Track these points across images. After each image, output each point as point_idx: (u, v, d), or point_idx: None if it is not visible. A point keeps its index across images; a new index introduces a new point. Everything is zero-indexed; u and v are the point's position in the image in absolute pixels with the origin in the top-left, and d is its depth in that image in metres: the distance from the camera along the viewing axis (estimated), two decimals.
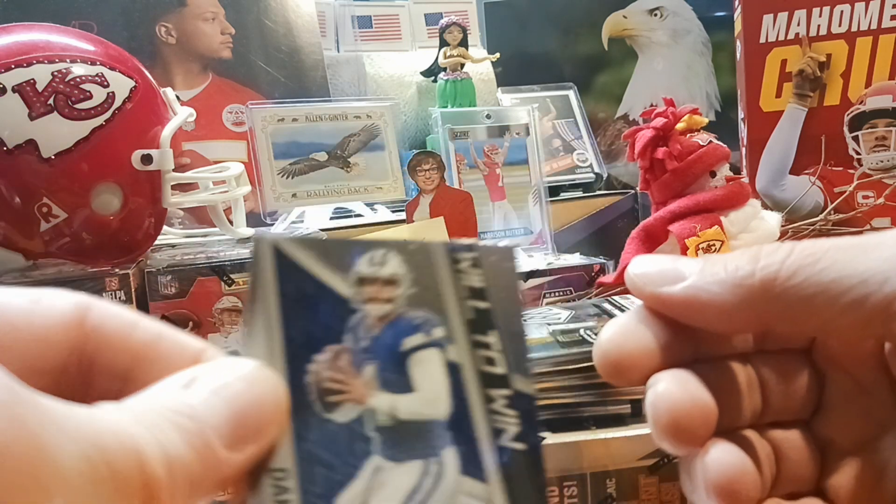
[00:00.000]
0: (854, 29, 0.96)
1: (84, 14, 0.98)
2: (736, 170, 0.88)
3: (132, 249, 0.63)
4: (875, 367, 0.24)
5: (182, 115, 0.65)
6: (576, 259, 0.94)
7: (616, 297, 0.51)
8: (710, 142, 0.81)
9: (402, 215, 0.87)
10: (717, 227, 0.76)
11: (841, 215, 0.94)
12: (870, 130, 0.97)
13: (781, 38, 0.99)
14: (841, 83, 0.98)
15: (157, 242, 0.67)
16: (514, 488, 0.21)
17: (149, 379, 0.19)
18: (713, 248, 0.75)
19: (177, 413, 0.18)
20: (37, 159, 0.57)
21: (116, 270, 0.58)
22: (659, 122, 0.82)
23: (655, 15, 1.38)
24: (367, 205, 1.00)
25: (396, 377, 0.21)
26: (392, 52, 1.22)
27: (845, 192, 0.97)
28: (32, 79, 0.58)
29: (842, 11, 0.96)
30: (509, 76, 1.29)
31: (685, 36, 1.38)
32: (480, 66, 1.19)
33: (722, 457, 0.23)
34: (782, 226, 0.83)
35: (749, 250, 0.23)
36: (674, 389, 0.23)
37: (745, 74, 1.01)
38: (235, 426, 0.19)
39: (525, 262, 0.93)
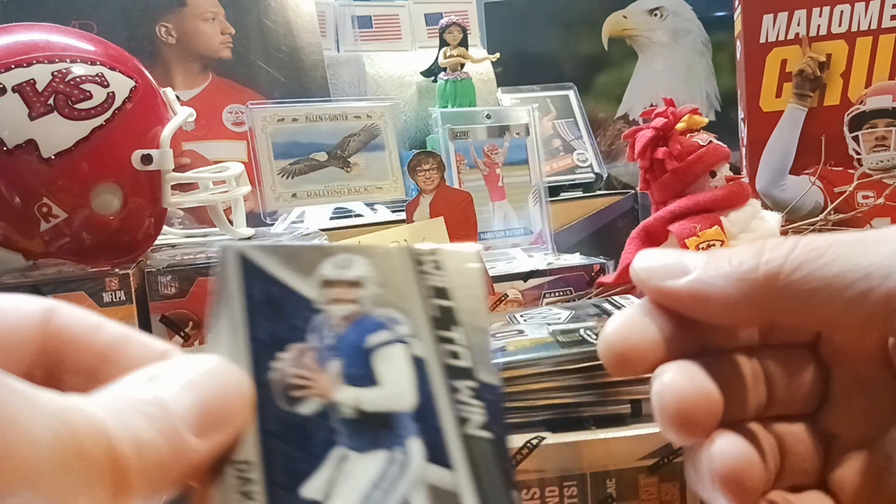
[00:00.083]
0: (854, 29, 0.96)
1: (84, 14, 0.98)
2: (736, 170, 0.88)
3: (132, 249, 0.63)
4: (879, 362, 0.24)
5: (182, 115, 0.65)
6: (576, 259, 0.94)
7: (616, 297, 0.51)
8: (710, 142, 0.81)
9: (402, 215, 0.87)
10: (717, 227, 0.76)
11: (841, 215, 0.94)
12: (870, 130, 0.97)
13: (781, 38, 0.99)
14: (841, 83, 0.98)
15: (157, 242, 0.67)
16: (480, 475, 0.21)
17: (114, 377, 0.20)
18: (713, 248, 0.75)
19: (143, 402, 0.18)
20: (37, 159, 0.57)
21: (116, 270, 0.58)
22: (659, 122, 0.82)
23: (655, 15, 1.38)
24: (367, 205, 1.00)
25: (361, 372, 0.22)
26: (392, 52, 1.22)
27: (845, 192, 0.97)
28: (32, 79, 0.58)
29: (842, 11, 0.96)
30: (509, 76, 1.29)
31: (685, 36, 1.38)
32: (480, 66, 1.19)
33: (728, 448, 0.23)
34: (782, 226, 0.83)
35: (753, 245, 0.24)
36: (680, 380, 0.23)
37: (745, 74, 1.01)
38: (201, 414, 0.19)
39: (525, 262, 0.93)
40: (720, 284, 0.23)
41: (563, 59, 1.40)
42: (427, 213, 0.84)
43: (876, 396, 0.24)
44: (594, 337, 0.42)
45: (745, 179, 0.80)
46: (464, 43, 1.09)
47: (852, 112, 0.97)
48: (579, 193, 1.16)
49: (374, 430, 0.22)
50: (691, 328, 0.25)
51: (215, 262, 0.23)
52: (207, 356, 0.21)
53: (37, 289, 0.55)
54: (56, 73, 0.58)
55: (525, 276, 0.88)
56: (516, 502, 0.22)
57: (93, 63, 0.60)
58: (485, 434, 0.22)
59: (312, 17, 1.14)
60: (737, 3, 1.03)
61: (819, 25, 0.97)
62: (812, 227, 0.92)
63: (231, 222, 0.73)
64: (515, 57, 1.35)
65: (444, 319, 0.23)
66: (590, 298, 0.79)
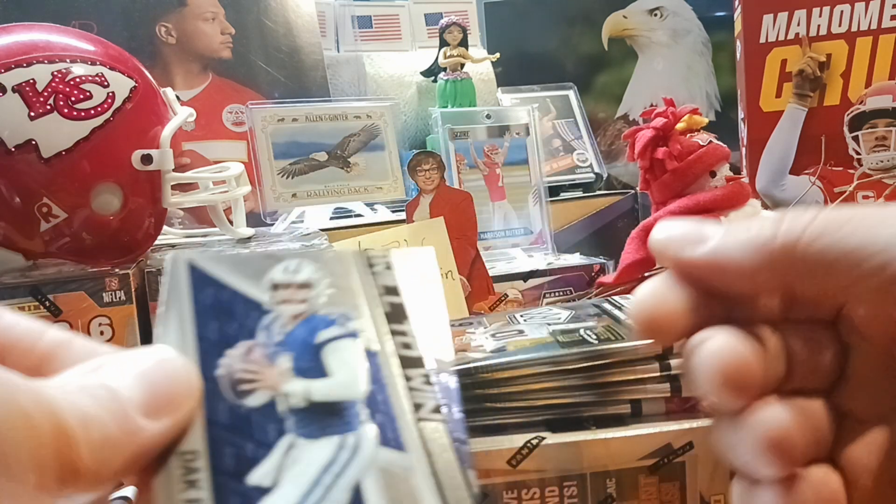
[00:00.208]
0: (854, 29, 0.96)
1: (84, 14, 0.98)
2: (736, 170, 0.88)
3: (132, 249, 0.63)
4: None
5: (182, 115, 0.65)
6: (576, 259, 0.94)
7: (616, 297, 0.51)
8: (710, 142, 0.81)
9: (402, 215, 0.87)
10: None
11: None
12: (870, 130, 0.97)
13: (781, 38, 0.99)
14: (841, 83, 0.98)
15: (157, 242, 0.66)
16: (434, 455, 0.22)
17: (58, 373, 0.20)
18: None
19: (90, 384, 0.19)
20: (37, 159, 0.57)
21: (116, 270, 0.58)
22: (659, 122, 0.82)
23: (655, 15, 1.38)
24: (367, 205, 1.00)
25: (311, 365, 0.23)
26: (392, 52, 1.22)
27: (845, 192, 0.97)
28: (32, 79, 0.58)
29: (842, 11, 0.96)
30: (509, 76, 1.29)
31: (685, 36, 1.38)
32: (480, 66, 1.19)
33: (777, 415, 0.23)
34: None
35: (773, 215, 0.24)
36: (732, 344, 0.23)
37: (745, 74, 1.01)
38: (148, 395, 0.19)
39: (525, 262, 0.93)
40: (738, 253, 0.24)
41: (563, 59, 1.40)
42: (427, 213, 0.84)
43: (893, 375, 0.24)
44: (594, 337, 0.42)
45: (745, 179, 0.80)
46: (464, 43, 1.09)
47: (852, 112, 0.97)
48: (579, 193, 1.16)
49: (325, 418, 0.22)
50: (715, 299, 0.25)
51: (164, 271, 0.23)
52: (153, 347, 0.21)
53: (37, 289, 0.55)
54: (56, 73, 0.58)
55: (525, 276, 0.88)
56: (472, 479, 0.22)
57: (93, 63, 0.60)
58: (437, 416, 0.23)
59: (312, 17, 1.14)
60: (737, 3, 1.03)
61: (819, 25, 0.97)
62: None
63: (231, 222, 0.73)
64: (515, 57, 1.35)
65: (396, 314, 0.24)
66: (590, 298, 0.79)
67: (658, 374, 0.40)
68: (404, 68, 1.20)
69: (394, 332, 0.24)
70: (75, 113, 0.58)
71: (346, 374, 0.23)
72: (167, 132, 0.63)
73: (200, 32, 1.05)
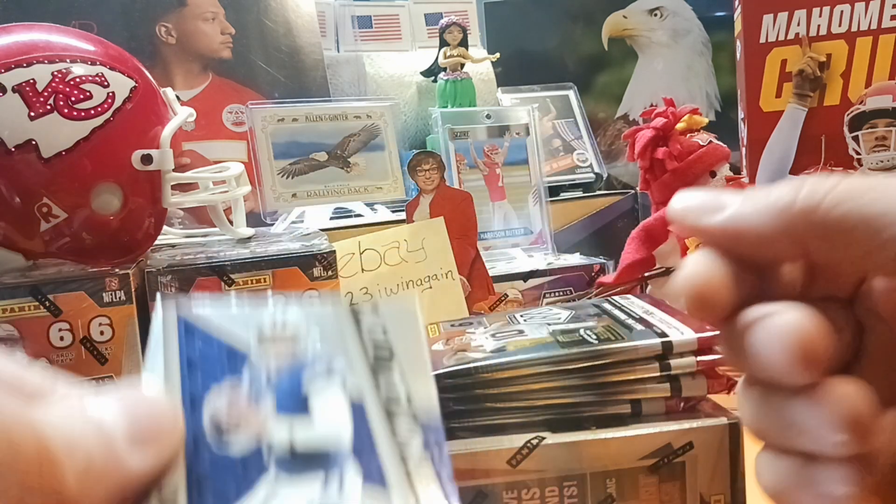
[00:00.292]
0: (854, 29, 0.96)
1: (84, 14, 0.98)
2: (736, 170, 0.88)
3: (132, 249, 0.63)
4: None
5: (182, 115, 0.65)
6: (576, 259, 0.94)
7: (616, 297, 0.51)
8: (710, 142, 0.81)
9: (402, 215, 0.87)
10: None
11: None
12: (870, 130, 0.97)
13: (781, 38, 0.99)
14: (841, 83, 0.98)
15: (157, 242, 0.66)
16: (417, 489, 0.22)
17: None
18: None
19: (74, 414, 0.19)
20: (37, 159, 0.57)
21: (116, 270, 0.58)
22: (659, 122, 0.82)
23: (655, 15, 1.38)
24: (367, 205, 1.00)
25: (296, 411, 0.23)
26: (392, 52, 1.22)
27: None
28: (32, 79, 0.58)
29: (842, 11, 0.96)
30: (509, 76, 1.29)
31: (685, 36, 1.38)
32: (480, 66, 1.19)
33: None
34: None
35: (793, 181, 0.24)
36: (803, 319, 0.23)
37: (745, 74, 1.01)
38: (133, 427, 0.19)
39: (525, 262, 0.93)
40: (756, 218, 0.24)
41: (563, 59, 1.40)
42: (427, 213, 0.84)
43: None
44: (594, 337, 0.42)
45: (745, 179, 0.80)
46: (464, 43, 1.09)
47: (852, 112, 0.97)
48: (579, 193, 1.16)
49: (310, 459, 0.22)
50: (752, 274, 0.25)
51: (154, 316, 0.24)
52: (138, 384, 0.21)
53: (37, 289, 0.55)
54: (56, 73, 0.58)
55: (525, 276, 0.88)
56: None
57: (93, 63, 0.60)
58: (423, 454, 0.23)
59: (312, 17, 1.14)
60: (737, 3, 1.03)
61: (819, 25, 0.97)
62: None
63: (231, 222, 0.73)
64: (515, 57, 1.35)
65: (382, 361, 0.25)
66: (590, 298, 0.79)
67: (658, 374, 0.40)
68: (404, 68, 1.20)
69: (378, 377, 0.24)
70: (75, 113, 0.58)
71: (331, 419, 0.23)
72: (167, 132, 0.63)
73: (200, 32, 1.05)
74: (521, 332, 0.45)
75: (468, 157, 0.98)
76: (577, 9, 1.40)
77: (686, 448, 0.39)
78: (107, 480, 0.18)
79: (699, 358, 0.40)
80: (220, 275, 0.60)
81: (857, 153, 0.97)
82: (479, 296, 0.84)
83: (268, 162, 0.92)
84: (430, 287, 0.81)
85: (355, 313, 0.25)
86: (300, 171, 0.94)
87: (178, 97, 0.68)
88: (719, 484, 0.40)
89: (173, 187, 0.64)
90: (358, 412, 0.23)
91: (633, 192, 1.13)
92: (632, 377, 0.40)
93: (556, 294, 0.88)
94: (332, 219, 0.99)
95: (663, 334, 0.41)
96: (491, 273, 0.86)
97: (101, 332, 0.57)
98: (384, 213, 0.99)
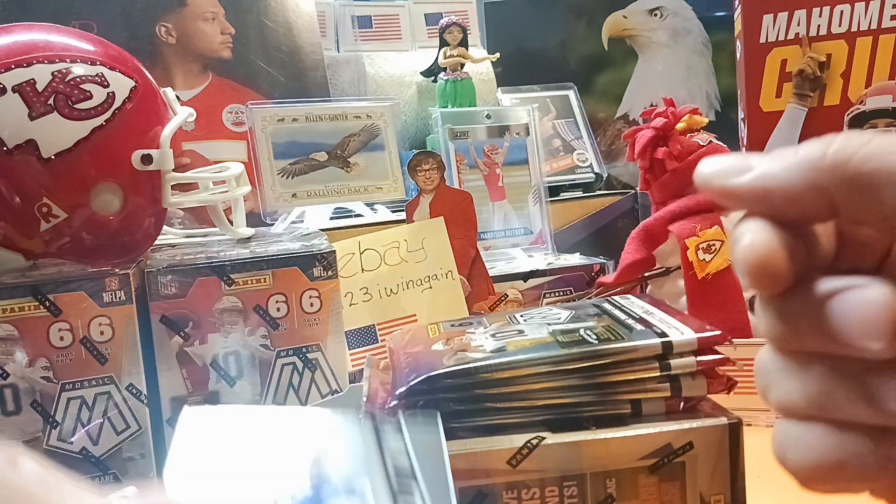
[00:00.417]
0: (854, 29, 0.96)
1: (84, 14, 0.98)
2: None
3: (132, 249, 0.63)
4: None
5: (182, 115, 0.65)
6: (576, 259, 0.94)
7: (616, 297, 0.51)
8: (710, 142, 0.81)
9: (402, 215, 0.87)
10: (717, 227, 0.76)
11: None
12: (870, 130, 0.97)
13: (781, 38, 0.99)
14: (841, 83, 0.98)
15: (157, 242, 0.66)
16: None
17: None
18: (713, 248, 0.75)
19: None
20: (37, 159, 0.57)
21: (116, 270, 0.58)
22: (659, 122, 0.82)
23: (655, 15, 1.38)
24: (367, 205, 1.00)
25: None
26: (392, 52, 1.22)
27: None
28: (32, 79, 0.58)
29: (842, 11, 0.96)
30: (509, 76, 1.29)
31: (685, 36, 1.38)
32: (480, 66, 1.19)
33: None
34: None
35: (821, 139, 0.24)
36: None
37: (745, 74, 1.01)
38: None
39: (525, 262, 0.93)
40: (785, 174, 0.24)
41: (563, 59, 1.40)
42: (427, 213, 0.84)
43: None
44: (594, 337, 0.42)
45: None
46: (464, 43, 1.09)
47: (852, 112, 0.97)
48: (579, 193, 1.16)
49: None
50: (801, 243, 0.25)
51: (179, 422, 0.24)
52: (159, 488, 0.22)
53: (37, 289, 0.55)
54: (56, 73, 0.58)
55: (525, 276, 0.88)
56: None
57: (93, 63, 0.60)
58: None
59: (312, 17, 1.14)
60: (737, 3, 1.03)
61: (819, 25, 0.97)
62: None
63: (231, 222, 0.73)
64: (515, 57, 1.35)
65: (403, 475, 0.25)
66: (590, 298, 0.79)
67: (658, 374, 0.40)
68: (404, 68, 1.20)
69: (401, 491, 0.24)
70: (75, 113, 0.58)
71: None
72: (167, 132, 0.63)
73: (200, 32, 1.05)
74: (521, 332, 0.45)
75: (468, 157, 0.98)
76: (577, 9, 1.40)
77: (686, 448, 0.39)
78: None
79: (699, 358, 0.40)
80: (220, 275, 0.60)
81: None
82: (479, 296, 0.84)
83: (268, 162, 0.92)
84: (430, 287, 0.81)
85: (378, 431, 0.25)
86: (300, 171, 0.94)
87: (178, 97, 0.68)
88: (719, 484, 0.40)
89: (173, 187, 0.64)
90: None
91: (633, 192, 1.13)
92: (632, 377, 0.40)
93: (556, 294, 0.88)
94: (332, 219, 0.99)
95: (663, 334, 0.41)
96: (491, 273, 0.86)
97: (101, 332, 0.57)
98: (384, 213, 0.99)
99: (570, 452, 0.39)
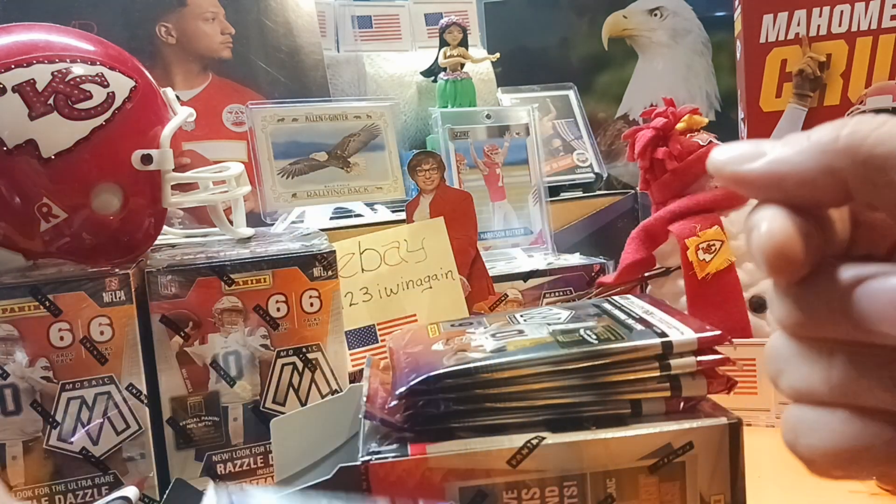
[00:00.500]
0: (854, 29, 0.96)
1: (84, 14, 0.98)
2: None
3: (132, 249, 0.63)
4: None
5: (182, 115, 0.65)
6: (576, 259, 0.94)
7: (616, 297, 0.51)
8: (710, 142, 0.81)
9: (402, 215, 0.87)
10: (717, 227, 0.76)
11: None
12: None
13: (781, 38, 0.99)
14: (841, 83, 0.98)
15: (157, 242, 0.66)
16: None
17: None
18: (713, 247, 0.76)
19: None
20: (37, 159, 0.57)
21: (116, 270, 0.58)
22: (659, 122, 0.82)
23: (655, 15, 1.38)
24: (367, 205, 1.00)
25: None
26: (392, 52, 1.22)
27: None
28: (32, 79, 0.58)
29: (842, 11, 0.96)
30: (509, 76, 1.29)
31: (685, 36, 1.38)
32: (480, 66, 1.19)
33: None
34: None
35: (833, 122, 0.24)
36: None
37: (745, 74, 1.01)
38: None
39: (525, 262, 0.93)
40: (798, 158, 0.24)
41: (563, 59, 1.40)
42: (427, 213, 0.84)
43: None
44: (594, 337, 0.42)
45: None
46: (464, 43, 1.09)
47: (852, 112, 0.97)
48: (579, 193, 1.16)
49: None
50: (818, 229, 0.24)
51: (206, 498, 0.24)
52: None
53: (37, 289, 0.55)
54: (56, 73, 0.58)
55: (525, 276, 0.88)
56: None
57: (93, 63, 0.60)
58: None
59: (312, 17, 1.14)
60: (737, 3, 1.03)
61: (819, 25, 0.97)
62: None
63: (231, 222, 0.73)
64: (515, 57, 1.35)
65: None
66: (590, 298, 0.79)
67: (658, 374, 0.40)
68: (404, 68, 1.20)
69: None
70: (75, 113, 0.58)
71: None
72: (167, 132, 0.63)
73: (200, 32, 1.05)
74: (521, 332, 0.45)
75: (468, 157, 0.98)
76: (577, 9, 1.40)
77: (686, 448, 0.39)
78: None
79: (699, 358, 0.40)
80: (220, 275, 0.60)
81: None
82: (479, 296, 0.84)
83: (268, 162, 0.92)
84: (430, 287, 0.81)
85: None
86: (300, 171, 0.94)
87: (178, 97, 0.68)
88: (719, 484, 0.40)
89: (173, 187, 0.64)
90: None
91: (633, 192, 1.13)
92: (632, 377, 0.40)
93: (556, 294, 0.88)
94: (332, 219, 0.99)
95: (663, 334, 0.41)
96: (491, 273, 0.86)
97: (101, 332, 0.57)
98: (384, 213, 0.99)
99: (570, 452, 0.39)
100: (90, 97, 0.59)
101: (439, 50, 1.11)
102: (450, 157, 0.96)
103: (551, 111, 1.23)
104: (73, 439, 0.56)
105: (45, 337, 0.55)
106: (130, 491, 0.51)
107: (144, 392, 0.58)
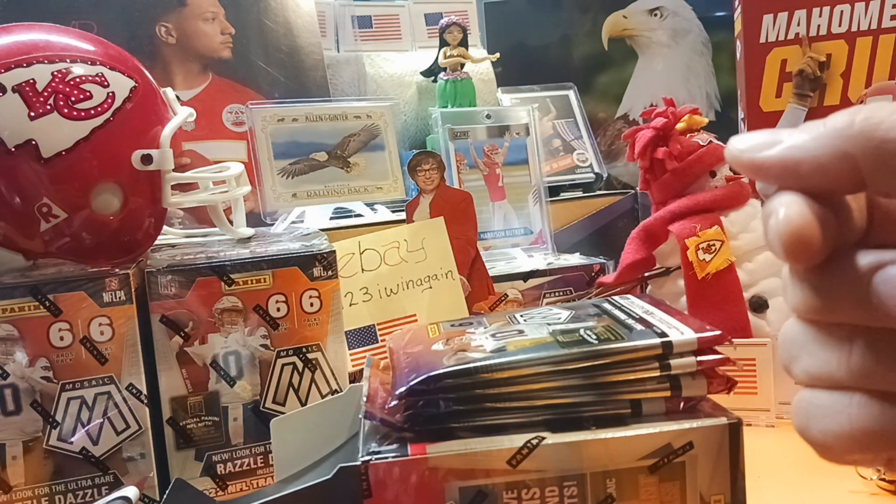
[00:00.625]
0: (854, 29, 0.96)
1: (84, 14, 0.98)
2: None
3: (132, 249, 0.63)
4: None
5: (182, 115, 0.65)
6: (576, 259, 0.94)
7: (616, 297, 0.51)
8: (710, 142, 0.81)
9: (402, 215, 0.87)
10: (717, 227, 0.76)
11: None
12: None
13: (781, 38, 0.99)
14: (841, 83, 0.98)
15: (157, 242, 0.66)
16: None
17: None
18: (713, 247, 0.75)
19: None
20: (37, 159, 0.57)
21: (116, 270, 0.58)
22: (659, 122, 0.82)
23: (655, 15, 1.38)
24: (367, 205, 1.00)
25: None
26: (392, 52, 1.22)
27: None
28: (32, 79, 0.58)
29: (842, 11, 0.96)
30: (509, 76, 1.29)
31: (685, 36, 1.38)
32: (480, 66, 1.19)
33: None
34: None
35: (847, 109, 0.24)
36: None
37: (745, 74, 1.01)
38: None
39: (525, 262, 0.93)
40: (813, 144, 0.24)
41: (563, 59, 1.40)
42: (427, 213, 0.84)
43: None
44: (594, 337, 0.42)
45: (746, 179, 0.80)
46: (464, 43, 1.09)
47: None
48: (579, 193, 1.16)
49: None
50: (834, 216, 0.25)
51: None
52: None
53: (37, 289, 0.55)
54: (56, 73, 0.58)
55: (525, 276, 0.88)
56: None
57: (93, 63, 0.60)
58: None
59: (312, 17, 1.14)
60: (737, 3, 1.03)
61: (819, 25, 0.97)
62: None
63: (231, 222, 0.73)
64: (515, 57, 1.35)
65: None
66: (590, 298, 0.79)
67: (658, 374, 0.40)
68: (404, 68, 1.20)
69: None
70: (75, 113, 0.58)
71: None
72: (167, 132, 0.63)
73: (200, 32, 1.05)
74: (521, 332, 0.45)
75: (468, 157, 0.98)
76: (577, 9, 1.40)
77: (686, 448, 0.39)
78: None
79: (699, 358, 0.40)
80: (220, 275, 0.60)
81: None
82: (479, 296, 0.84)
83: (268, 162, 0.92)
84: (430, 287, 0.81)
85: None
86: (300, 171, 0.94)
87: (178, 97, 0.68)
88: (719, 484, 0.40)
89: (173, 187, 0.64)
90: None
91: (633, 192, 1.13)
92: (632, 377, 0.40)
93: (556, 294, 0.88)
94: (332, 219, 0.99)
95: (663, 334, 0.41)
96: (491, 273, 0.86)
97: (101, 332, 0.57)
98: (384, 213, 0.99)
99: (570, 452, 0.39)
100: (90, 97, 0.59)
101: (439, 50, 1.11)
102: (450, 157, 0.96)
103: (551, 111, 1.23)
104: (73, 439, 0.56)
105: (45, 337, 0.55)
106: (130, 491, 0.51)
107: (144, 392, 0.58)
